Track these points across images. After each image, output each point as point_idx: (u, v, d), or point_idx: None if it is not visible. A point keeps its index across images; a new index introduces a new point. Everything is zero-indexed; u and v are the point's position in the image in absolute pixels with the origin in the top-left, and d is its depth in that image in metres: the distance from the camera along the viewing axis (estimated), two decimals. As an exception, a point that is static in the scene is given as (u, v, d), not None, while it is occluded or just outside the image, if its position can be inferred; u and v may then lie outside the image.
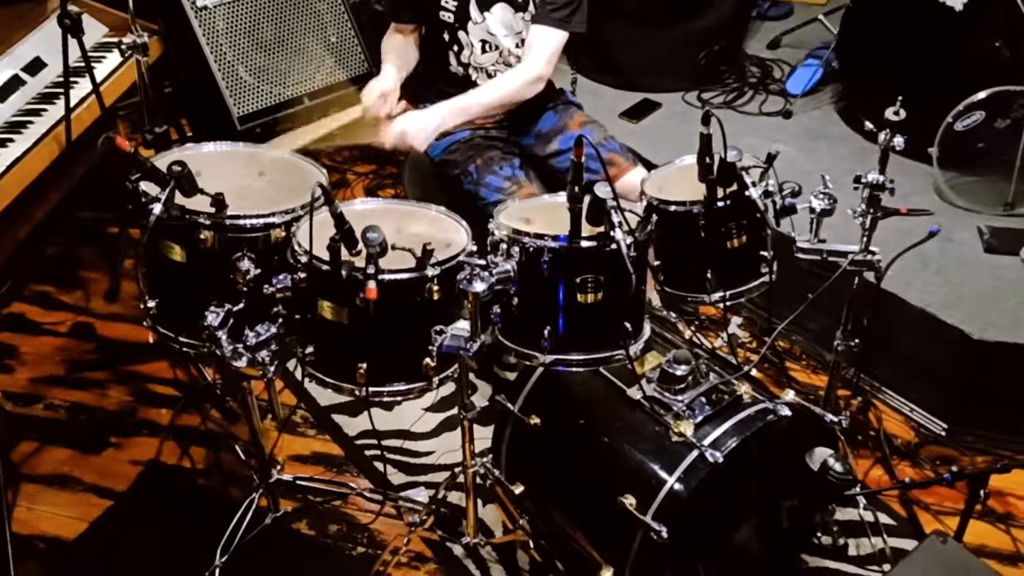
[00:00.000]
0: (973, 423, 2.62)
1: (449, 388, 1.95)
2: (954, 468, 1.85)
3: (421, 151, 2.48)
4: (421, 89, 2.65)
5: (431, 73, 2.66)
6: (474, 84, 2.59)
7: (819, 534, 2.31)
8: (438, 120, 2.42)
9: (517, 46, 2.55)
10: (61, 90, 2.60)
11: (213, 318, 1.82)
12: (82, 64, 2.58)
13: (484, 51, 2.53)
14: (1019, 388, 2.54)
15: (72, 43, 2.49)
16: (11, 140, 2.56)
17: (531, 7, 2.51)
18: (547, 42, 2.47)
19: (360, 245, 1.65)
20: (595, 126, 2.71)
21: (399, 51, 2.65)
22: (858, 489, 2.29)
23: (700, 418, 1.93)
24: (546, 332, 1.77)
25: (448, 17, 2.50)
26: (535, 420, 2.06)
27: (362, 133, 2.48)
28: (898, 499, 2.47)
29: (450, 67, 2.59)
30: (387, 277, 1.67)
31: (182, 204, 1.80)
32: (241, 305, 1.85)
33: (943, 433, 2.64)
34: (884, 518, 2.40)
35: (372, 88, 2.50)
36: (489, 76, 2.59)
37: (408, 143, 2.40)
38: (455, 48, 2.55)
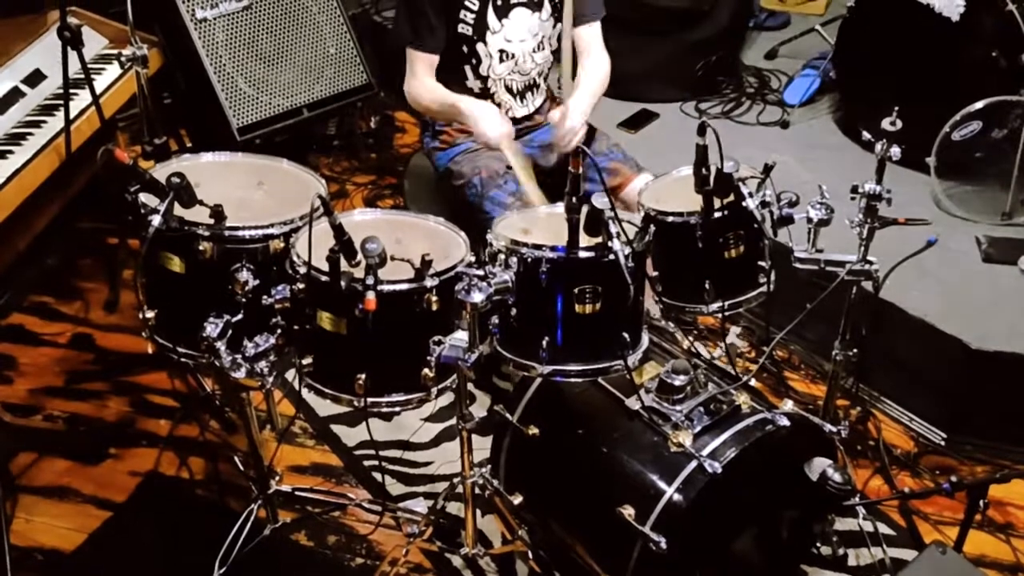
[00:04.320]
0: (972, 433, 2.62)
1: (448, 398, 1.95)
2: (953, 478, 1.85)
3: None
4: (429, 119, 2.67)
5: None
6: (491, 97, 2.59)
7: (819, 544, 2.30)
8: (583, 109, 2.52)
9: (534, 50, 2.56)
10: (61, 102, 2.61)
11: (212, 329, 1.82)
12: (82, 76, 2.59)
13: (501, 60, 2.54)
14: (1018, 397, 2.54)
15: (72, 55, 2.50)
16: (11, 152, 2.57)
17: (546, 4, 2.53)
18: (599, 36, 2.62)
19: (359, 256, 1.65)
20: (598, 135, 2.72)
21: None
22: (857, 499, 2.29)
23: (699, 428, 1.93)
24: (544, 342, 1.77)
25: (467, 30, 2.49)
26: (534, 430, 2.06)
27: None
28: (898, 509, 2.47)
29: (467, 82, 2.58)
30: (386, 288, 1.68)
31: (181, 215, 1.80)
32: (240, 316, 1.85)
33: (942, 443, 2.64)
34: (884, 528, 2.39)
35: (507, 138, 2.47)
36: (506, 87, 2.59)
37: (575, 135, 2.47)
38: (473, 62, 2.54)
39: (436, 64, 2.54)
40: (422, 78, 2.54)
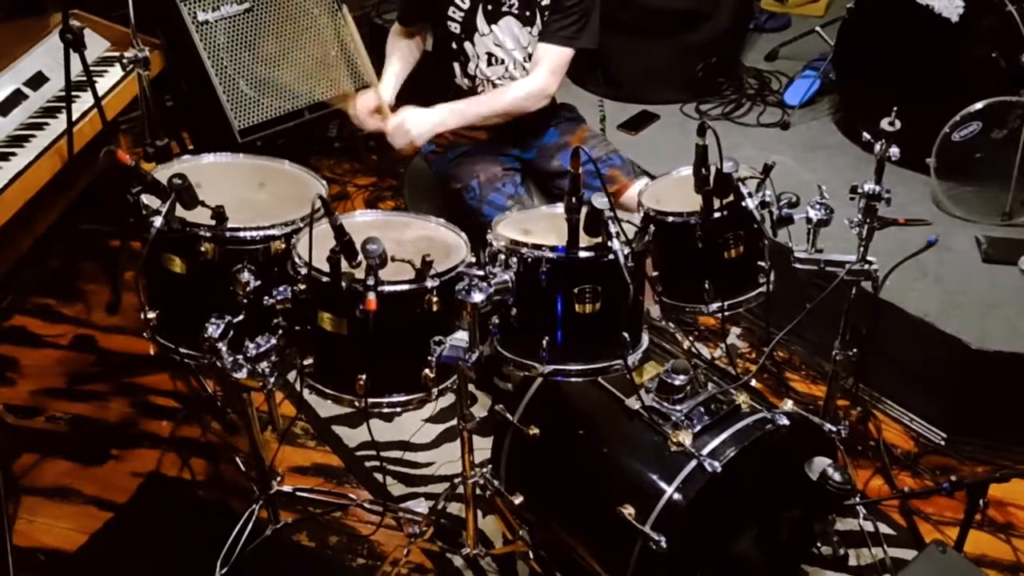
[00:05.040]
0: (972, 432, 2.62)
1: (448, 399, 1.95)
2: (953, 478, 1.85)
3: (415, 145, 2.45)
4: (426, 103, 2.67)
5: (436, 86, 2.64)
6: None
7: (819, 544, 2.31)
8: (438, 118, 2.44)
9: (525, 60, 2.56)
10: (63, 104, 2.62)
11: (213, 330, 1.82)
12: (84, 78, 2.60)
13: (490, 64, 2.54)
14: (1018, 397, 2.55)
15: (74, 57, 2.51)
16: (13, 154, 2.58)
17: (538, 22, 2.51)
18: (552, 58, 2.48)
19: (360, 257, 1.66)
20: (598, 140, 2.72)
21: (403, 52, 2.64)
22: (857, 499, 2.30)
23: (698, 428, 1.94)
24: (544, 342, 1.78)
25: (455, 27, 2.50)
26: (534, 430, 2.07)
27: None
28: (898, 509, 2.47)
29: (455, 79, 2.59)
30: (387, 288, 1.68)
31: (183, 216, 1.81)
32: (241, 317, 1.86)
33: (942, 443, 2.65)
34: (884, 528, 2.40)
35: (367, 102, 2.46)
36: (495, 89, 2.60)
37: (406, 136, 2.39)
38: (461, 59, 2.55)
39: (402, 32, 2.64)
40: (394, 36, 2.66)
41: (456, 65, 2.56)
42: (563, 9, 2.46)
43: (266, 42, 3.43)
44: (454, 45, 2.53)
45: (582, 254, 1.72)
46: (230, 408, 2.70)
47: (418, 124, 2.40)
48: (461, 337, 1.78)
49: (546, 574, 2.26)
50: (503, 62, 2.54)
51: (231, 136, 3.34)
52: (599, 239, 1.70)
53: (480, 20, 2.49)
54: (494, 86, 2.57)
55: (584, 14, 2.47)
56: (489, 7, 2.47)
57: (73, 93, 2.60)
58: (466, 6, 2.47)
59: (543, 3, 2.48)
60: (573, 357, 1.80)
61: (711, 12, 3.70)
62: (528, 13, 2.50)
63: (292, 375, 1.90)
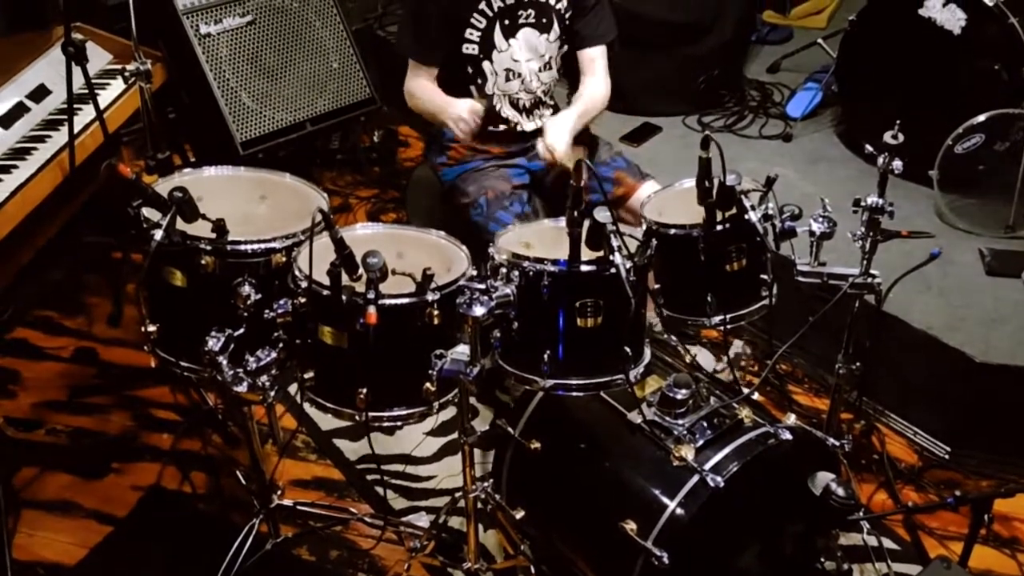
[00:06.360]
0: (977, 446, 2.61)
1: (450, 412, 1.94)
2: (957, 492, 1.84)
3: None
4: (437, 133, 2.66)
5: None
6: (497, 114, 2.59)
7: (823, 559, 2.29)
8: (572, 125, 2.47)
9: (540, 69, 2.57)
10: (65, 117, 2.62)
11: (214, 343, 1.82)
12: (86, 91, 2.60)
13: (508, 79, 2.55)
14: (1022, 411, 2.53)
15: (76, 70, 2.51)
16: (15, 167, 2.58)
17: (555, 27, 2.53)
18: (602, 59, 2.63)
19: (360, 270, 1.66)
20: (601, 145, 2.72)
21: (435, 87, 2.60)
22: (861, 514, 2.28)
23: (701, 442, 1.93)
24: (546, 356, 1.77)
25: (472, 49, 2.50)
26: (536, 445, 2.06)
27: None
28: (902, 524, 2.46)
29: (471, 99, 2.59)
30: (387, 302, 1.68)
31: (183, 230, 1.81)
32: (242, 330, 1.85)
33: (946, 457, 2.63)
34: (888, 543, 2.39)
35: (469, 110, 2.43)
36: (512, 103, 2.60)
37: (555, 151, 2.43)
38: (478, 81, 2.55)
39: (435, 74, 2.56)
40: (420, 80, 2.57)
41: (472, 88, 2.56)
42: (586, 11, 2.54)
43: (268, 55, 3.44)
44: (470, 68, 2.53)
45: (584, 268, 1.71)
46: (231, 421, 2.70)
47: (551, 138, 2.43)
48: (462, 351, 1.77)
49: (548, 589, 2.25)
50: (520, 75, 2.55)
51: (233, 148, 3.35)
52: (601, 253, 1.70)
53: (498, 37, 2.49)
54: (511, 101, 2.59)
55: (604, 7, 2.58)
56: (506, 22, 2.48)
57: (75, 106, 2.60)
58: (483, 25, 2.48)
59: (560, 8, 2.51)
60: (575, 371, 1.79)
61: (713, 24, 3.70)
62: (544, 20, 2.52)
63: (293, 388, 1.89)
